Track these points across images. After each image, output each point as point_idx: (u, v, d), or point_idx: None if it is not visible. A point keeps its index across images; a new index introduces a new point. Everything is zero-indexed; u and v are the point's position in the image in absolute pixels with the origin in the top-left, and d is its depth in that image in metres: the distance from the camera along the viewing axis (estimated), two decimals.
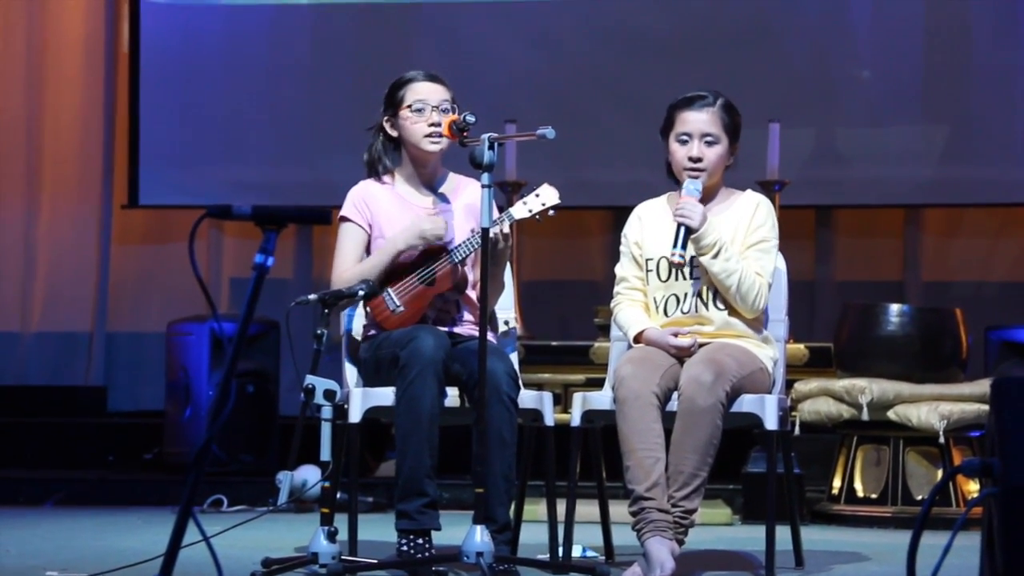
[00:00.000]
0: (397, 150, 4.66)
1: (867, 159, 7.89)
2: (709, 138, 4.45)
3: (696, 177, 4.43)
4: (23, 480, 6.96)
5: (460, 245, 4.53)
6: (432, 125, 4.55)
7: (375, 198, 4.63)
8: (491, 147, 4.17)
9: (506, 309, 4.78)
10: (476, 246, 4.44)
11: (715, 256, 4.36)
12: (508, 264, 4.66)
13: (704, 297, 4.45)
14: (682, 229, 4.35)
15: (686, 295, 4.46)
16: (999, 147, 7.82)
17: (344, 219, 4.63)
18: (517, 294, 6.53)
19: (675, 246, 4.34)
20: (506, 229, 4.43)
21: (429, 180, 4.67)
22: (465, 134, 4.41)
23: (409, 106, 4.57)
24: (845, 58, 7.96)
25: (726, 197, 4.54)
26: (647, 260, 4.51)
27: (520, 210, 4.50)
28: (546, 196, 4.51)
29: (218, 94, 8.23)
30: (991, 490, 2.64)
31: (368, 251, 4.61)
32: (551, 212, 4.51)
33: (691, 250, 4.38)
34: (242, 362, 7.07)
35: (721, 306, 4.45)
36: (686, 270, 4.45)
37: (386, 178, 4.66)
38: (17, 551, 4.94)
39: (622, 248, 4.59)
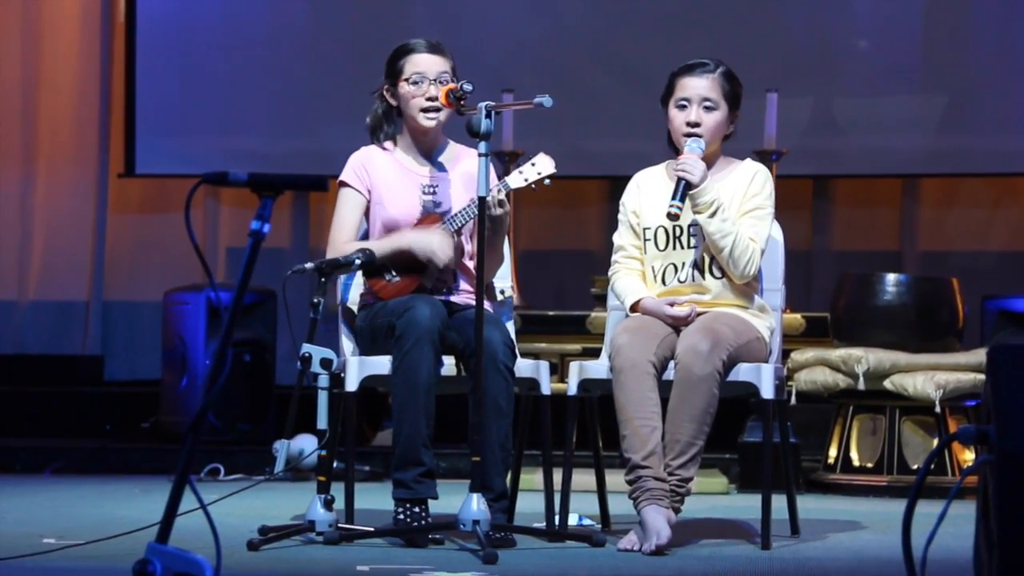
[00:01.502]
0: (399, 117, 4.65)
1: (865, 129, 7.87)
2: (708, 103, 4.44)
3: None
4: (20, 448, 6.97)
5: (456, 215, 4.53)
6: (429, 99, 4.53)
7: (375, 164, 4.62)
8: (488, 116, 4.17)
9: (502, 278, 4.77)
10: (473, 215, 4.44)
11: (712, 215, 4.36)
12: (506, 236, 4.65)
13: (702, 266, 4.45)
14: (682, 183, 4.35)
15: (684, 264, 4.46)
16: (997, 117, 7.81)
17: (343, 184, 4.62)
18: (514, 264, 6.52)
19: (674, 198, 4.34)
20: (501, 197, 4.42)
21: (428, 150, 4.65)
22: (462, 103, 4.41)
23: (407, 79, 4.55)
24: (843, 27, 7.94)
25: (724, 166, 4.54)
26: (645, 229, 4.51)
27: (516, 179, 4.50)
28: (542, 165, 4.51)
29: (215, 62, 8.20)
30: (986, 458, 2.65)
31: (367, 216, 4.61)
32: (547, 181, 4.51)
33: (689, 211, 4.38)
34: (239, 331, 7.07)
35: (718, 275, 4.45)
36: (684, 238, 4.45)
37: (387, 144, 4.66)
38: (15, 519, 4.95)
39: (620, 216, 4.58)
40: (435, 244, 4.47)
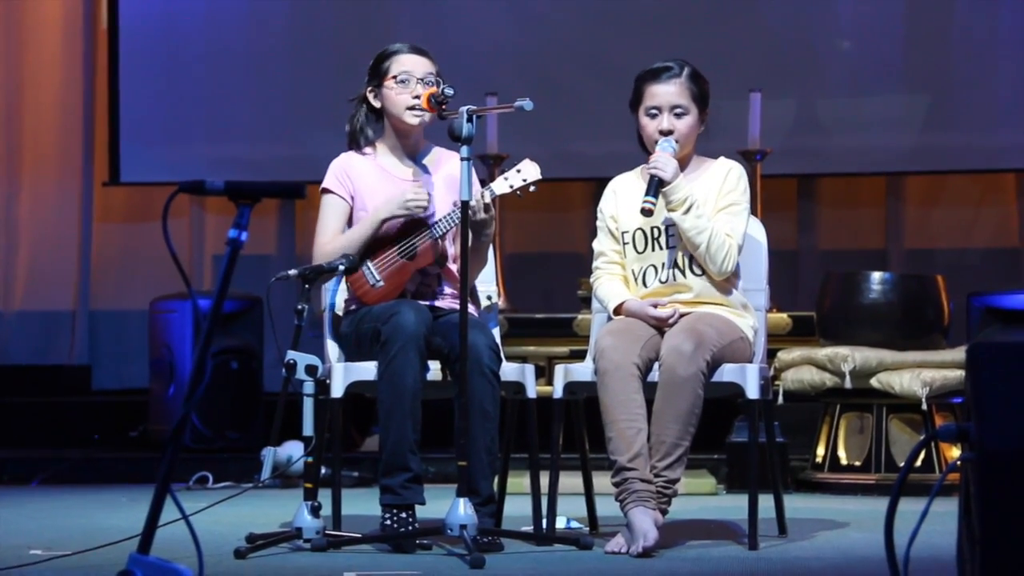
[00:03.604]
0: (380, 121, 4.64)
1: (849, 128, 7.89)
2: (679, 110, 4.45)
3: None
4: (8, 459, 6.96)
5: (441, 219, 4.53)
6: (415, 97, 4.53)
7: (357, 170, 4.62)
8: (469, 119, 4.17)
9: (487, 283, 4.77)
10: (457, 220, 4.43)
11: (686, 212, 4.37)
12: (491, 242, 4.65)
13: (680, 265, 4.45)
14: (654, 180, 4.36)
15: (663, 265, 4.46)
16: (980, 114, 7.83)
17: (326, 191, 4.62)
18: (500, 267, 6.52)
19: (647, 194, 4.35)
20: (487, 201, 4.42)
21: (412, 152, 4.65)
22: (444, 107, 4.41)
23: (394, 77, 4.55)
24: (826, 27, 7.95)
25: (698, 166, 4.55)
26: (623, 233, 4.51)
27: (501, 185, 4.50)
28: (527, 172, 4.51)
29: (199, 70, 8.19)
30: (967, 455, 2.65)
31: (350, 223, 4.60)
32: (532, 188, 4.51)
33: (663, 209, 4.38)
34: (226, 339, 7.07)
35: (698, 272, 4.45)
36: (662, 239, 4.45)
37: (367, 149, 4.65)
38: (2, 530, 4.94)
39: (598, 223, 4.59)
40: (403, 195, 4.43)
